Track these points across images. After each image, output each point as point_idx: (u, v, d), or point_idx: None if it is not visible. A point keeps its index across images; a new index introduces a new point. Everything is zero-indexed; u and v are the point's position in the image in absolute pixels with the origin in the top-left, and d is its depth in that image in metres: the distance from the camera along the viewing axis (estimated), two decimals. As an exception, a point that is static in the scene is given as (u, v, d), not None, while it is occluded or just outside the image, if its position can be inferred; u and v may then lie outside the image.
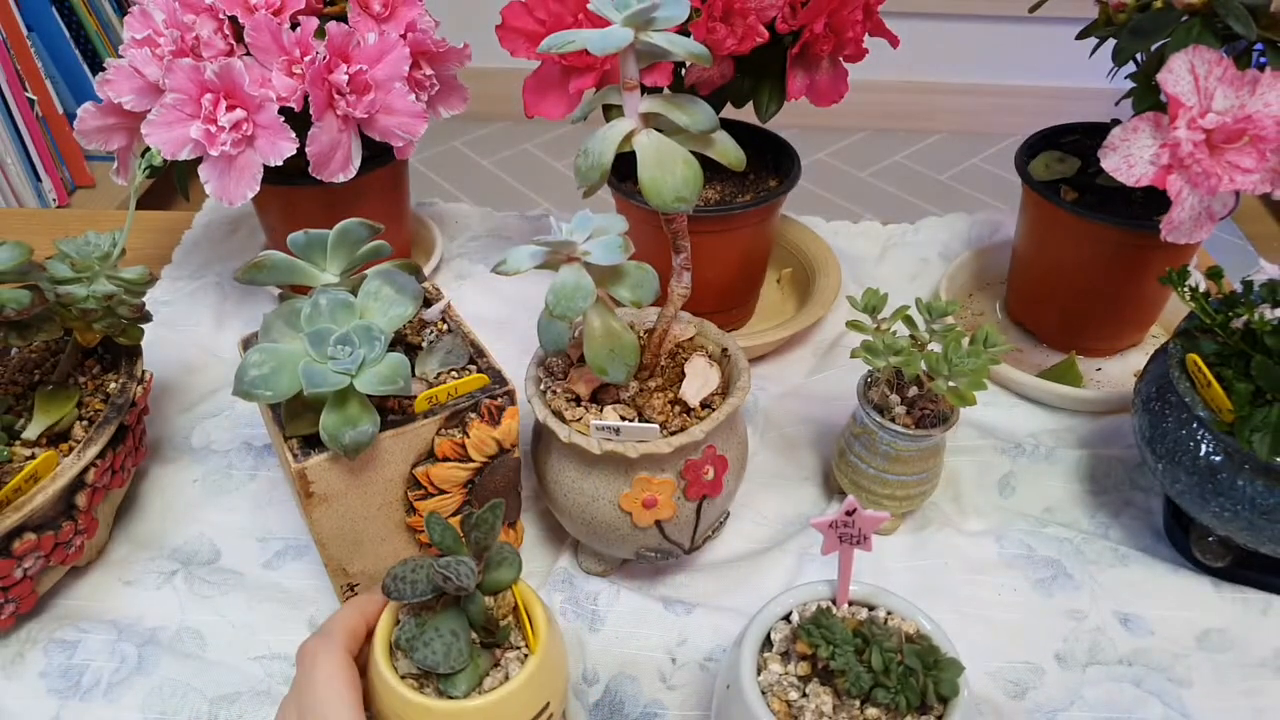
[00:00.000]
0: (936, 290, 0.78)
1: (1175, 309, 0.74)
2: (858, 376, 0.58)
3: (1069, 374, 0.70)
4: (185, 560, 0.59)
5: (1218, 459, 0.51)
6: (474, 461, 0.51)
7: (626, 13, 0.42)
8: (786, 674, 0.41)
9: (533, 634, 0.44)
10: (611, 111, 0.49)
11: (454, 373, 0.52)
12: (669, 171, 0.45)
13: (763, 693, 0.40)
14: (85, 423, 0.56)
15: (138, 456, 0.60)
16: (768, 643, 0.43)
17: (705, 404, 0.52)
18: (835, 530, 0.41)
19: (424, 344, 0.53)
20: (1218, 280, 0.56)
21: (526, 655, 0.44)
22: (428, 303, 0.55)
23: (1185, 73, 0.54)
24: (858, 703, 0.39)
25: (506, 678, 0.43)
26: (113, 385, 0.58)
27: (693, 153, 0.46)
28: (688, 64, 0.63)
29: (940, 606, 0.55)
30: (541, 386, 0.53)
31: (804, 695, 0.40)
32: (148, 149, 0.62)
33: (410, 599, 0.42)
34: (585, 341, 0.50)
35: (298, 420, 0.48)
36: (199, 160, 0.64)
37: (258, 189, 0.64)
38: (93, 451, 0.53)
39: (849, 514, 0.40)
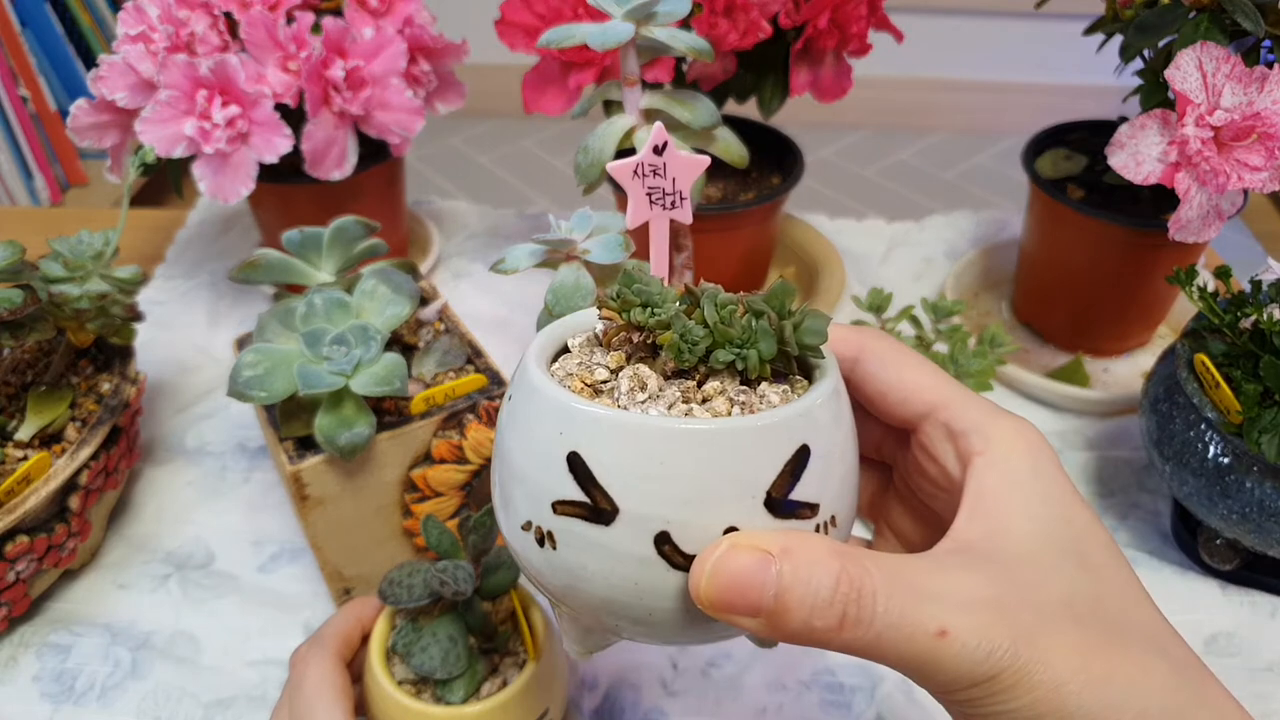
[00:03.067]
0: (942, 290, 0.78)
1: (1183, 308, 0.73)
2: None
3: (1076, 374, 0.69)
4: (179, 564, 0.58)
5: (1226, 460, 0.51)
6: (471, 464, 0.50)
7: (627, 7, 0.42)
8: (588, 362, 0.29)
9: (531, 639, 0.44)
10: (612, 107, 0.49)
11: (451, 373, 0.51)
12: (670, 169, 0.44)
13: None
14: (78, 424, 0.55)
15: (131, 458, 0.59)
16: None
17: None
18: (641, 182, 0.29)
19: (421, 344, 0.53)
20: (1226, 279, 0.55)
21: (525, 661, 0.44)
22: (424, 302, 0.55)
23: (1193, 69, 0.53)
24: (694, 382, 0.28)
25: (504, 684, 0.43)
26: (106, 386, 0.57)
27: (695, 149, 0.45)
28: (689, 59, 0.62)
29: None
30: (540, 387, 0.52)
31: (615, 377, 0.28)
32: (141, 146, 0.62)
33: (407, 604, 0.42)
34: (585, 342, 0.49)
35: (293, 422, 0.47)
36: (193, 157, 0.64)
37: (252, 186, 0.64)
38: (86, 453, 0.53)
39: (658, 150, 0.28)
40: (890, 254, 0.85)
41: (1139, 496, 0.62)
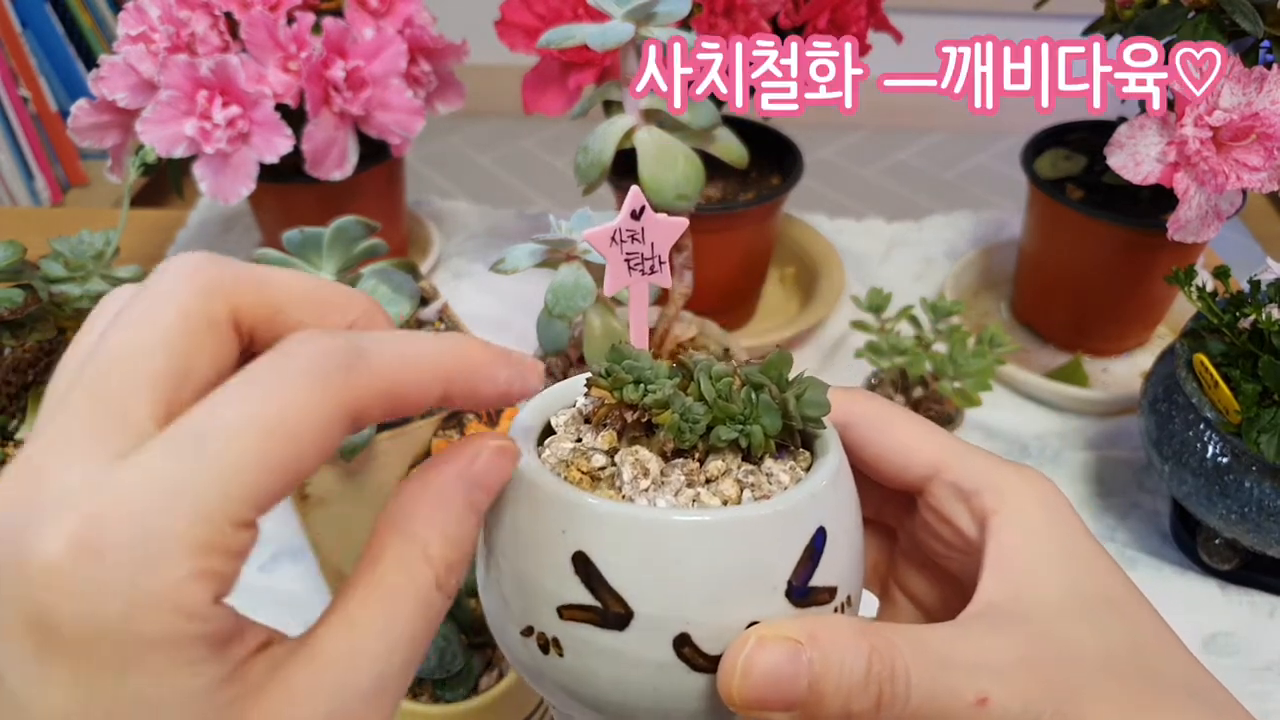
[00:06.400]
0: (942, 290, 0.78)
1: (1182, 309, 0.73)
2: (862, 377, 0.58)
3: (1075, 374, 0.69)
4: (180, 563, 0.58)
5: (1225, 460, 0.51)
6: (472, 463, 0.50)
7: (627, 7, 0.42)
8: (582, 447, 0.27)
9: None
10: (612, 107, 0.49)
11: (452, 373, 0.51)
12: (670, 169, 0.44)
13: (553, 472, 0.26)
14: (78, 424, 0.56)
15: (132, 458, 0.59)
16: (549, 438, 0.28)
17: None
18: (620, 248, 0.28)
19: (421, 344, 0.53)
20: (1225, 279, 0.55)
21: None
22: (424, 302, 0.55)
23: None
24: (695, 461, 0.26)
25: (500, 675, 0.43)
26: (106, 385, 0.57)
27: (694, 149, 0.45)
28: (689, 60, 0.62)
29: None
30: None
31: (612, 462, 0.26)
32: (142, 146, 0.62)
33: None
34: (585, 341, 0.49)
35: (293, 422, 0.47)
36: (193, 157, 0.64)
37: (253, 187, 0.64)
38: (85, 453, 0.53)
39: (635, 215, 0.28)
40: (890, 254, 0.85)
41: (1138, 496, 0.62)
